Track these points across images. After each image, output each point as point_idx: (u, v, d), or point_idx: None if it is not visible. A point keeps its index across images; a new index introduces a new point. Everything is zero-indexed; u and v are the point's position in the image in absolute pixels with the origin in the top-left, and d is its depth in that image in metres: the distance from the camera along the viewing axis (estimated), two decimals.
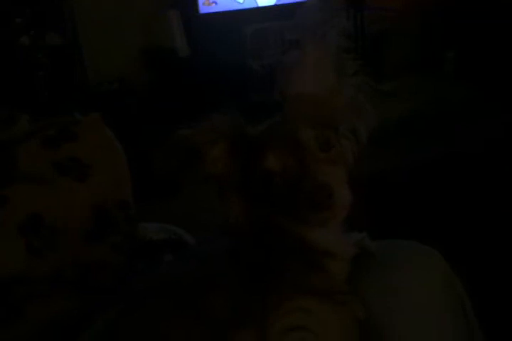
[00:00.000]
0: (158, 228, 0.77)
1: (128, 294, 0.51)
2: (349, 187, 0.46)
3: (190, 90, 2.37)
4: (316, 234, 0.47)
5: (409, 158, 1.87)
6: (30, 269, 0.60)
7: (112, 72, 2.33)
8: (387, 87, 2.75)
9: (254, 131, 0.53)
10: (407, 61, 2.91)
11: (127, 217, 0.70)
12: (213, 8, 2.42)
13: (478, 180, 1.59)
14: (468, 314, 0.53)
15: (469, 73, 2.51)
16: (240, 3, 2.45)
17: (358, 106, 0.52)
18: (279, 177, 0.47)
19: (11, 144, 0.71)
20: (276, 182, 0.47)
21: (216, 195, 0.50)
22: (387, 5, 2.84)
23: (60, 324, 0.56)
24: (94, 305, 0.56)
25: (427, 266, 0.51)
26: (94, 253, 0.64)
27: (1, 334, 0.56)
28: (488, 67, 2.39)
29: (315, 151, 0.48)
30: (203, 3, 2.39)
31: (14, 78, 1.95)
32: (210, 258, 0.50)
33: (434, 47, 2.82)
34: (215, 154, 0.50)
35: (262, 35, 2.43)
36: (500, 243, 1.05)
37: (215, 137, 0.51)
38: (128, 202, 0.72)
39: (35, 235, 0.61)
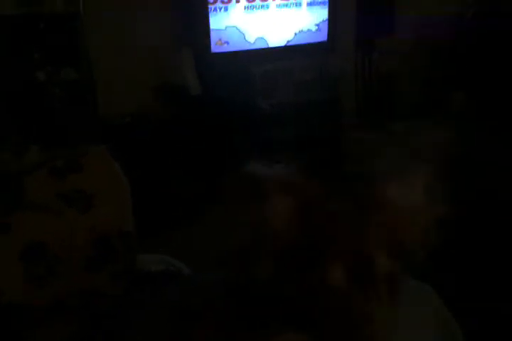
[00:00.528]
0: (158, 260, 0.78)
1: (123, 321, 0.51)
2: None
3: (201, 127, 2.41)
4: None
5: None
6: (30, 296, 0.60)
7: (124, 107, 2.38)
8: (398, 128, 2.77)
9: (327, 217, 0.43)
10: (415, 102, 2.95)
11: (127, 247, 0.70)
12: (225, 48, 2.49)
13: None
14: None
15: (477, 114, 2.53)
16: (250, 43, 2.53)
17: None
18: (329, 296, 0.40)
19: (20, 174, 0.73)
20: (321, 299, 0.40)
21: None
22: (396, 48, 2.92)
23: None
24: (93, 331, 0.55)
25: (419, 301, 0.50)
26: (94, 282, 0.64)
27: None
28: (496, 108, 2.41)
29: (381, 290, 0.40)
30: (216, 43, 2.47)
31: (30, 111, 2.01)
32: (205, 289, 0.50)
33: (442, 88, 2.86)
34: (282, 209, 0.42)
35: (272, 74, 2.50)
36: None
37: (290, 190, 0.43)
38: (129, 232, 0.72)
39: (38, 263, 0.62)
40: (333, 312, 0.40)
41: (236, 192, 0.45)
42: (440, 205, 0.44)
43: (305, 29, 2.57)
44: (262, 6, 2.48)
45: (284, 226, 0.42)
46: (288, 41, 2.58)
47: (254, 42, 2.53)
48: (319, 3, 2.57)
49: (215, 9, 2.39)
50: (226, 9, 2.41)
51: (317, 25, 2.58)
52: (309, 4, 2.55)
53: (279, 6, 2.50)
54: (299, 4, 2.53)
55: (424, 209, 0.44)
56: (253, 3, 2.46)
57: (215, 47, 2.48)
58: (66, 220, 0.67)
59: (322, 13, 2.58)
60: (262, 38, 2.54)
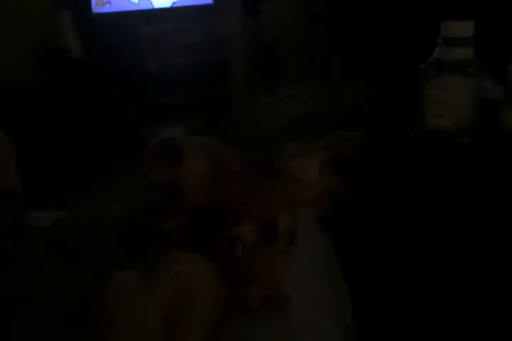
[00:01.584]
0: (48, 216, 0.78)
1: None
2: None
3: (86, 92, 2.31)
4: None
5: None
6: None
7: (3, 75, 2.20)
8: (286, 91, 2.89)
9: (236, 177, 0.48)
10: (301, 66, 3.07)
11: (14, 204, 0.71)
12: (107, 8, 2.38)
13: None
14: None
15: (355, 76, 2.71)
16: (134, 3, 2.44)
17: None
18: (241, 250, 0.45)
19: None
20: (235, 251, 0.45)
21: None
22: (282, 14, 2.99)
23: None
24: None
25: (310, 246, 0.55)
26: None
27: None
28: (371, 69, 2.61)
29: (283, 244, 0.46)
30: (96, 3, 2.35)
31: None
32: (93, 229, 0.52)
33: (323, 52, 3.02)
34: (198, 171, 0.47)
35: (158, 36, 2.44)
36: None
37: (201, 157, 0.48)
38: (14, 189, 0.73)
39: None
40: (240, 263, 0.45)
41: (153, 155, 0.48)
42: (331, 172, 0.53)
43: None
44: None
45: (199, 186, 0.47)
46: (173, 2, 2.52)
47: (139, 3, 2.44)
48: None
49: None
50: None
51: None
52: None
53: None
54: None
55: (317, 177, 0.53)
56: None
57: (96, 8, 2.36)
58: None
59: None
60: None
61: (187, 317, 0.44)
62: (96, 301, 0.42)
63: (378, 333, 0.52)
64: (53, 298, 0.45)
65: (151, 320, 0.43)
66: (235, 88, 2.76)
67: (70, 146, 2.12)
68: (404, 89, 1.10)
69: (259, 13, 2.94)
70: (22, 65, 2.32)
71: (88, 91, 2.32)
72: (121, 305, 0.41)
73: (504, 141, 0.87)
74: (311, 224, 0.56)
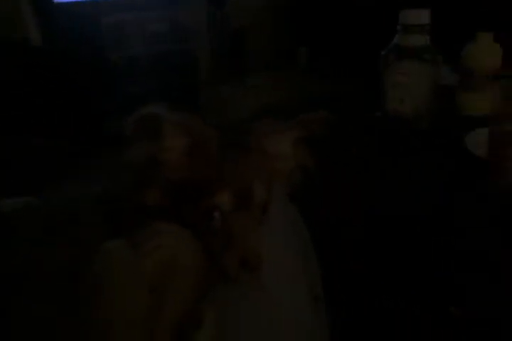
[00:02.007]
0: (18, 202, 0.77)
1: None
2: None
3: (46, 82, 2.26)
4: None
5: None
6: None
7: None
8: (250, 83, 2.91)
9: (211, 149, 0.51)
10: (266, 56, 3.10)
11: None
12: None
13: None
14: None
15: (320, 66, 2.76)
16: None
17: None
18: (219, 218, 0.48)
19: None
20: (214, 221, 0.48)
21: None
22: (246, 3, 3.00)
23: None
24: None
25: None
26: None
27: None
28: (336, 61, 2.66)
29: (257, 212, 0.49)
30: None
31: None
32: (70, 205, 0.53)
33: (289, 43, 3.05)
34: (178, 146, 0.49)
35: (122, 26, 2.41)
36: None
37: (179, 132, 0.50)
38: None
39: None
40: (219, 231, 0.48)
41: (135, 130, 0.50)
42: (303, 149, 0.56)
43: None
44: None
45: (178, 161, 0.49)
46: None
47: None
48: None
49: None
50: None
51: None
52: None
53: None
54: None
55: (289, 153, 0.56)
56: None
57: None
58: None
59: None
60: None
61: (169, 288, 0.46)
62: (86, 270, 0.44)
63: (375, 331, 0.55)
64: (46, 272, 0.46)
65: (138, 290, 0.45)
66: (201, 78, 2.77)
67: (31, 139, 2.08)
68: (367, 77, 1.14)
69: (224, 3, 2.94)
70: None
71: (48, 81, 2.27)
72: (110, 273, 0.43)
73: (459, 125, 0.92)
74: (282, 196, 0.60)
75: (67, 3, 2.34)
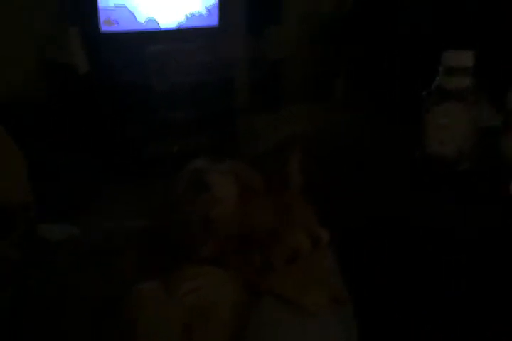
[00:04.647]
0: (58, 229, 0.80)
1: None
2: None
3: (90, 108, 2.35)
4: None
5: None
6: None
7: (9, 89, 2.25)
8: (285, 113, 2.94)
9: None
10: (302, 87, 3.13)
11: (26, 217, 0.73)
12: (115, 28, 2.43)
13: None
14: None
15: (357, 100, 2.76)
16: (142, 24, 2.49)
17: None
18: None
19: None
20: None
21: None
22: (284, 36, 3.06)
23: None
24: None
25: None
26: None
27: None
28: (374, 94, 2.65)
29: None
30: (104, 22, 2.40)
31: None
32: (123, 234, 0.54)
33: (326, 75, 3.07)
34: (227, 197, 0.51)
35: (164, 56, 2.49)
36: None
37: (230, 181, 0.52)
38: (27, 203, 0.75)
39: None
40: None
41: (183, 188, 0.51)
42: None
43: (196, 12, 2.59)
44: None
45: (227, 212, 0.50)
46: (179, 23, 2.58)
47: (146, 24, 2.50)
48: None
49: None
50: None
51: (208, 9, 2.62)
52: None
53: None
54: None
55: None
56: None
57: (104, 27, 2.41)
58: None
59: None
60: (153, 20, 2.51)
61: (203, 329, 0.46)
62: (119, 312, 0.44)
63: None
64: (80, 306, 0.47)
65: (171, 330, 0.45)
66: (238, 107, 2.81)
67: (74, 161, 2.15)
68: (404, 115, 1.13)
69: (262, 34, 3.01)
70: (28, 78, 2.37)
71: (93, 107, 2.35)
72: (143, 317, 0.44)
73: (502, 168, 0.90)
74: None
75: (113, 32, 2.44)
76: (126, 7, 2.42)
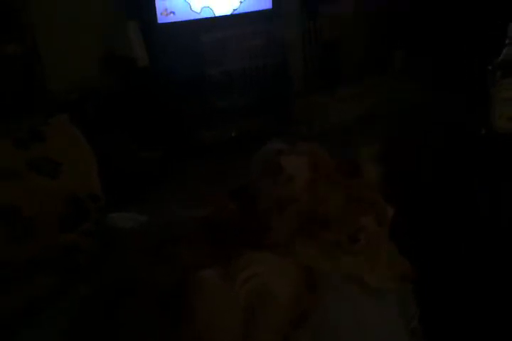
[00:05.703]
0: (127, 217, 0.84)
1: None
2: None
3: (151, 99, 2.42)
4: None
5: None
6: (11, 255, 0.66)
7: (72, 82, 2.35)
8: (345, 90, 2.89)
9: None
10: (360, 64, 3.05)
11: (97, 207, 0.78)
12: (171, 18, 2.48)
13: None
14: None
15: (417, 71, 2.65)
16: (197, 12, 2.52)
17: None
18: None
19: None
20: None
21: None
22: (339, 13, 2.99)
23: (41, 297, 0.62)
24: (70, 281, 0.62)
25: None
26: (69, 239, 0.71)
27: None
28: (434, 64, 2.55)
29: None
30: (161, 14, 2.45)
31: None
32: (181, 223, 0.57)
33: (383, 48, 2.98)
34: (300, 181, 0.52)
35: (220, 43, 2.52)
36: None
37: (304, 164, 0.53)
38: (97, 194, 0.79)
39: (13, 224, 0.67)
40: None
41: (260, 167, 0.54)
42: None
43: None
44: None
45: (305, 195, 0.52)
46: (234, 9, 2.59)
47: (200, 12, 2.53)
48: None
49: None
50: None
51: None
52: None
53: None
54: None
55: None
56: None
57: (161, 18, 2.47)
58: (37, 186, 0.72)
59: None
60: (207, 7, 2.54)
61: (262, 315, 0.48)
62: (182, 297, 0.47)
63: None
64: (150, 291, 0.50)
65: (232, 317, 0.47)
66: (295, 89, 2.79)
67: (134, 150, 2.24)
68: (468, 89, 1.08)
69: (316, 15, 2.95)
70: (93, 75, 2.47)
71: (152, 98, 2.43)
72: (204, 304, 0.46)
73: None
74: None
75: (170, 23, 2.49)
76: None
